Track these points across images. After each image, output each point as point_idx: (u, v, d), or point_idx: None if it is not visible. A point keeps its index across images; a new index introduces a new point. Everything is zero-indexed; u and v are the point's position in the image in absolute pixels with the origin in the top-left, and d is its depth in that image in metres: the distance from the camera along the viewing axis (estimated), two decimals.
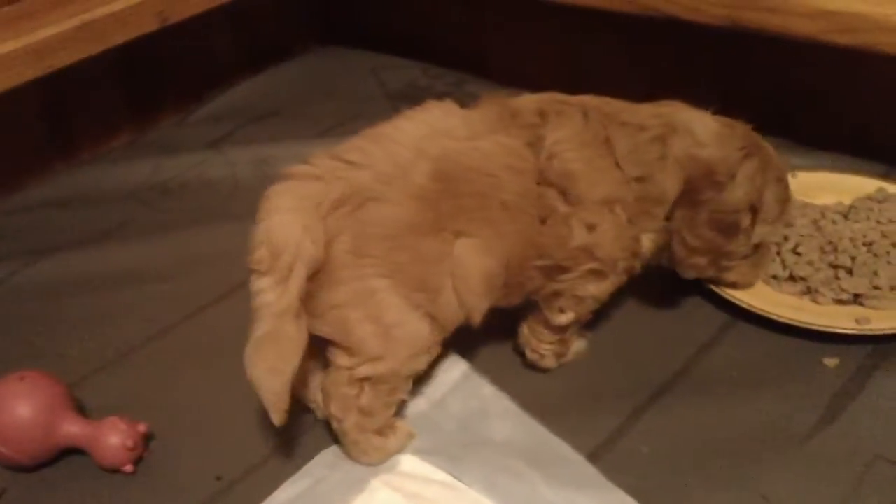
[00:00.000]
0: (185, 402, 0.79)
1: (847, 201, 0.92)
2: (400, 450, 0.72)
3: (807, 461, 0.69)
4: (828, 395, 0.75)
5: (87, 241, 1.02)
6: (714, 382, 0.77)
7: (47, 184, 1.15)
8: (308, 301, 0.64)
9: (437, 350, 0.72)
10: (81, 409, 0.76)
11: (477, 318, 0.71)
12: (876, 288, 0.81)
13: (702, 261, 0.77)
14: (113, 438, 0.72)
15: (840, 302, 0.81)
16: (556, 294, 0.75)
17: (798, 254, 0.85)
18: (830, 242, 0.85)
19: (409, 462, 0.72)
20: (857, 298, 0.81)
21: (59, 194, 1.12)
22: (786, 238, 0.87)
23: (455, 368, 0.80)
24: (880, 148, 1.00)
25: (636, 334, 0.83)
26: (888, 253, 0.84)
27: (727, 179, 0.74)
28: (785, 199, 0.79)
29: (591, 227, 0.72)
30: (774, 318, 0.79)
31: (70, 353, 0.86)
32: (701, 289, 0.85)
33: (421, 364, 0.71)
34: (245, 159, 1.14)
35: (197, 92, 1.32)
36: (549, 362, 0.79)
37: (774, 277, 0.85)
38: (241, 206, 1.05)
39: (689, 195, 0.74)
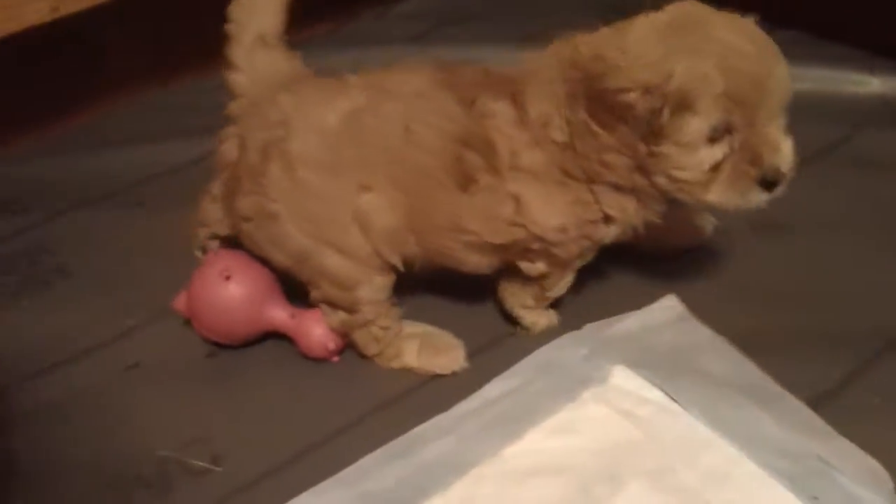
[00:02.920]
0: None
1: None
2: (432, 362, 0.74)
3: None
4: None
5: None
6: None
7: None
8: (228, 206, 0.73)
9: (384, 275, 0.72)
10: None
11: (396, 265, 0.71)
12: None
13: (616, 159, 0.65)
14: (318, 329, 0.73)
15: None
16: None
17: None
18: None
19: (621, 374, 0.71)
20: None
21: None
22: None
23: (671, 310, 0.77)
24: None
25: (868, 277, 0.79)
26: None
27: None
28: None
29: (516, 199, 0.68)
30: None
31: None
32: None
33: (366, 293, 0.71)
34: (449, 57, 1.13)
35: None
36: (531, 319, 0.76)
37: None
38: None
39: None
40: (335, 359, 0.75)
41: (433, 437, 0.68)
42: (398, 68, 0.73)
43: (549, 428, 0.68)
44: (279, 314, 0.74)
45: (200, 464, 0.67)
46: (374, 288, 0.72)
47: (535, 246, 0.70)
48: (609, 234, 0.70)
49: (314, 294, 0.73)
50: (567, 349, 0.74)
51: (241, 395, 0.73)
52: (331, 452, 0.68)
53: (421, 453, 0.67)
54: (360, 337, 0.74)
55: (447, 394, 0.71)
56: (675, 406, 0.68)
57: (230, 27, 0.75)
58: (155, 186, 0.96)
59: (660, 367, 0.71)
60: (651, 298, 0.77)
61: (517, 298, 0.76)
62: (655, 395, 0.69)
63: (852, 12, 1.06)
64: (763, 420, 0.66)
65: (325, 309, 0.73)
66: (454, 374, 0.74)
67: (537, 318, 0.76)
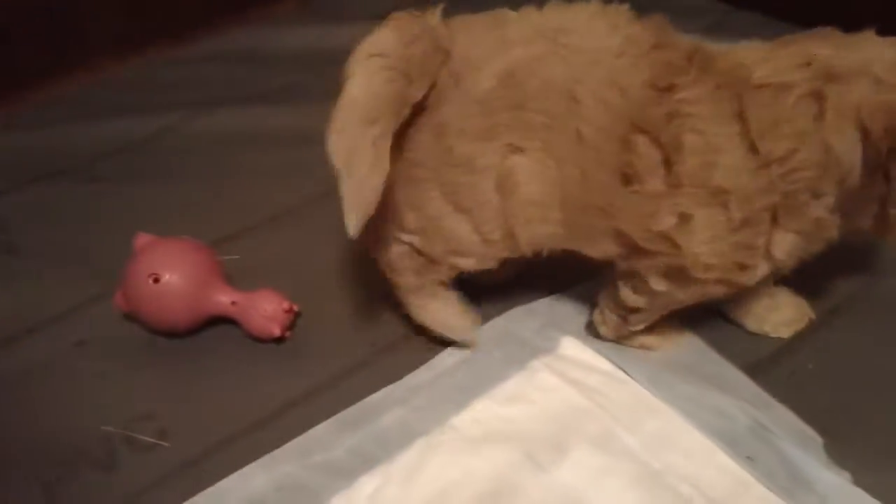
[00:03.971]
0: (333, 270, 0.81)
1: None
2: (448, 323, 0.72)
3: None
4: None
5: (250, 100, 1.04)
6: (891, 310, 0.75)
7: (211, 40, 1.16)
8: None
9: (490, 262, 0.68)
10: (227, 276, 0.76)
11: (523, 246, 0.66)
12: None
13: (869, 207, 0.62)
14: (261, 312, 0.72)
15: None
16: (633, 272, 0.65)
17: None
18: None
19: (570, 345, 0.72)
20: None
21: (223, 51, 1.14)
22: None
23: None
24: None
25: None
26: None
27: None
28: None
29: (684, 218, 0.60)
30: None
31: (226, 206, 0.88)
32: None
33: (464, 264, 0.68)
34: None
35: None
36: (604, 331, 0.72)
37: None
38: None
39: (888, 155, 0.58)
40: (287, 334, 0.75)
41: (385, 407, 0.69)
42: (587, 10, 0.63)
43: (498, 397, 0.69)
44: (220, 301, 0.73)
45: (147, 439, 0.67)
46: (478, 265, 0.68)
47: (665, 263, 0.63)
48: (752, 278, 0.64)
49: (405, 236, 0.67)
50: (520, 321, 0.75)
51: (189, 371, 0.73)
52: (281, 426, 0.68)
53: (372, 423, 0.67)
54: (411, 268, 0.69)
55: (400, 365, 0.72)
56: (622, 374, 0.70)
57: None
58: (110, 162, 0.95)
59: (606, 340, 0.73)
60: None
61: (603, 303, 0.71)
62: (604, 364, 0.71)
63: None
64: (705, 388, 0.68)
65: (399, 235, 0.67)
66: (409, 345, 0.74)
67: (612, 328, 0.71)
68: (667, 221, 0.60)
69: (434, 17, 0.63)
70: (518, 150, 0.62)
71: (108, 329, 0.76)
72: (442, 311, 0.72)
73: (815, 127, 0.58)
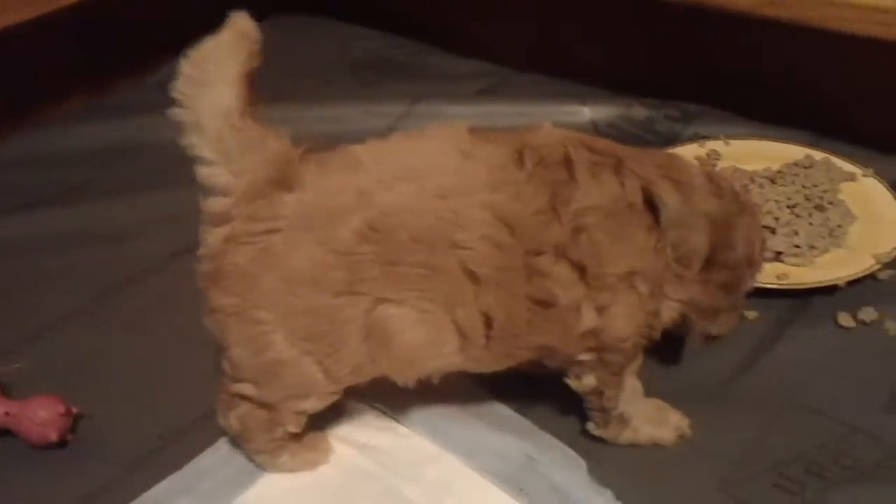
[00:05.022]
0: (121, 366, 0.81)
1: (775, 167, 0.97)
2: (300, 469, 0.70)
3: (724, 405, 0.75)
4: (747, 345, 0.80)
5: (41, 203, 1.03)
6: None
7: (3, 145, 1.15)
8: (207, 289, 0.63)
9: (333, 397, 0.67)
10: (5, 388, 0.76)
11: (408, 382, 0.66)
12: (796, 246, 0.86)
13: (712, 327, 0.71)
14: (36, 420, 0.71)
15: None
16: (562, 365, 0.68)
17: None
18: (756, 204, 0.90)
19: (354, 409, 0.74)
20: (778, 256, 0.87)
21: (15, 156, 1.12)
22: None
23: None
24: (807, 118, 1.05)
25: None
26: (810, 214, 0.90)
27: (734, 235, 0.67)
28: (764, 245, 0.75)
29: (601, 309, 0.64)
30: None
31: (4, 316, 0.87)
32: None
33: (308, 406, 0.66)
34: None
35: (156, 57, 1.33)
36: (603, 433, 0.71)
37: None
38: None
39: (709, 255, 0.67)
40: (69, 437, 0.74)
41: (170, 496, 0.69)
42: (433, 140, 0.64)
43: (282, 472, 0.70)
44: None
45: None
46: (320, 403, 0.67)
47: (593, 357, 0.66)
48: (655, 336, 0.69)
49: (237, 386, 0.66)
50: None
51: None
52: None
53: None
54: (258, 426, 0.67)
55: (188, 453, 0.72)
56: (403, 429, 0.73)
57: (181, 112, 0.61)
58: None
59: (389, 395, 0.75)
60: None
61: (591, 426, 0.71)
62: (386, 422, 0.74)
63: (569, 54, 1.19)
64: (479, 429, 0.72)
65: (233, 387, 0.66)
66: (197, 432, 0.74)
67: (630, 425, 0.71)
68: (588, 320, 0.63)
69: (282, 140, 0.61)
70: (389, 301, 0.61)
71: None
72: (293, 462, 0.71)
73: (694, 221, 0.65)
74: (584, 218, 0.62)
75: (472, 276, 0.61)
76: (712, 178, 0.68)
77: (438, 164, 0.62)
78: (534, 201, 0.61)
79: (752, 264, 0.71)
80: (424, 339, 0.63)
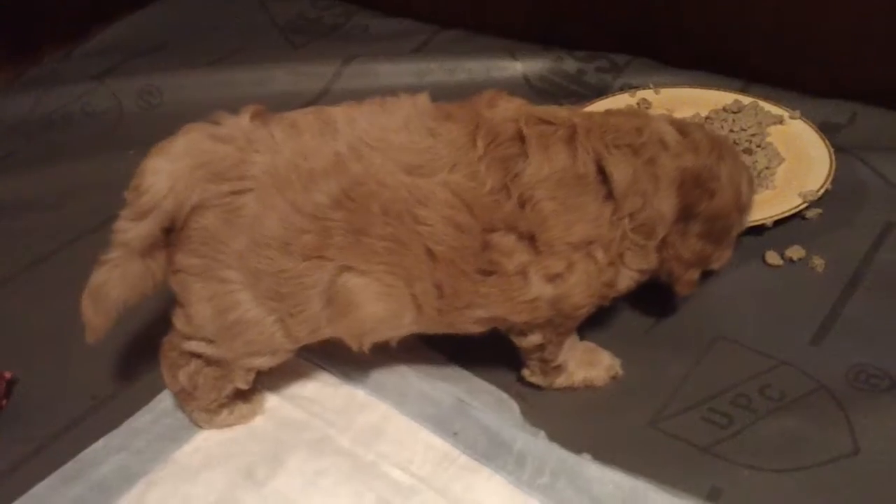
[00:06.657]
0: (52, 331, 0.80)
1: (704, 113, 0.98)
2: (236, 423, 0.71)
3: (654, 344, 0.76)
4: None
5: None
6: None
7: None
8: (171, 253, 0.63)
9: (285, 356, 0.67)
10: None
11: (363, 348, 0.67)
12: None
13: (695, 274, 0.73)
14: None
15: None
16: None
17: None
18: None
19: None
20: None
21: None
22: None
23: None
24: (735, 64, 1.06)
25: None
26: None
27: (716, 185, 0.68)
28: (753, 184, 0.76)
29: (554, 278, 0.65)
30: None
31: None
32: None
33: (262, 363, 0.67)
34: (130, 91, 1.14)
35: (81, 28, 1.30)
36: (537, 380, 0.72)
37: None
38: (126, 136, 1.07)
39: (683, 211, 0.68)
40: (3, 402, 0.73)
41: (104, 455, 0.69)
42: (402, 114, 0.64)
43: None
44: None
45: None
46: (274, 361, 0.67)
47: (545, 320, 0.67)
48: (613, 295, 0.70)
49: (192, 344, 0.66)
50: None
51: None
52: (3, 494, 0.66)
53: (94, 473, 0.68)
54: (207, 384, 0.68)
55: (122, 413, 0.72)
56: (334, 379, 0.74)
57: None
58: None
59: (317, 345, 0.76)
60: None
61: (527, 373, 0.72)
62: (316, 372, 0.74)
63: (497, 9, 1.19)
64: (411, 377, 0.73)
65: (185, 345, 0.66)
66: (130, 392, 0.74)
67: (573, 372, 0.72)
68: (536, 288, 0.64)
69: (245, 118, 0.62)
70: (354, 270, 0.62)
71: None
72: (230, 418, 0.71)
73: (653, 188, 0.66)
74: (532, 190, 0.63)
75: (430, 254, 0.63)
76: (686, 133, 0.69)
77: (409, 140, 0.63)
78: (488, 181, 0.63)
79: (741, 208, 0.72)
80: (385, 313, 0.64)
